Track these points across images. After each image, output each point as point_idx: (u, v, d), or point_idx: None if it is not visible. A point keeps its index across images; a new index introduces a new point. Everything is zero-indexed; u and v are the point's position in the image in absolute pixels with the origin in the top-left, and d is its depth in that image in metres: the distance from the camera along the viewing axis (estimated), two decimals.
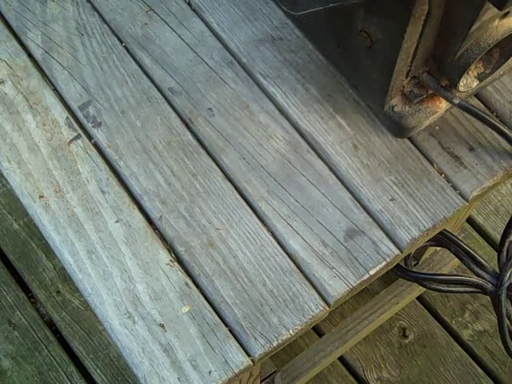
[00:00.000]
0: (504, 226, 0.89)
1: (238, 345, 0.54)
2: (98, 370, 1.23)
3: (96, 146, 0.63)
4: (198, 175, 0.62)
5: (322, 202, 0.60)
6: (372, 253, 0.58)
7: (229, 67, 0.67)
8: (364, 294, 1.27)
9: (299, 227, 0.59)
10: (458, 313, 1.32)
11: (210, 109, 0.65)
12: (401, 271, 0.94)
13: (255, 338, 0.54)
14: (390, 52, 0.55)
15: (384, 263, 0.58)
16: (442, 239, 0.84)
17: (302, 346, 1.24)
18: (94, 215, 0.59)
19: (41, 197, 0.60)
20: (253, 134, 0.63)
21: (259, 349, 0.54)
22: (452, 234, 0.83)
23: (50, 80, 0.66)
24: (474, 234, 1.38)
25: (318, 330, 1.29)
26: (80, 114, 0.64)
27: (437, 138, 0.64)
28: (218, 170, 0.62)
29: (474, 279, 0.84)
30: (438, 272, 1.17)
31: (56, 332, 1.26)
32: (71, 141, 0.63)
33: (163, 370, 0.53)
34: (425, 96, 0.61)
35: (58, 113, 0.64)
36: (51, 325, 1.27)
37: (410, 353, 1.28)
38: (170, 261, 0.58)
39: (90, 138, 0.64)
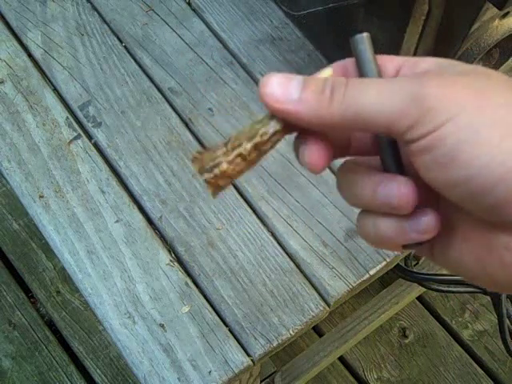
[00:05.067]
0: None
1: (237, 345, 0.54)
2: (98, 370, 1.23)
3: (96, 145, 0.63)
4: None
5: (321, 202, 0.60)
6: (372, 253, 0.58)
7: (229, 67, 0.67)
8: (364, 294, 1.27)
9: (299, 227, 0.59)
10: (458, 313, 1.32)
11: (210, 109, 0.65)
12: (401, 271, 0.94)
13: (255, 338, 0.54)
14: (390, 52, 0.55)
15: (384, 263, 0.58)
16: None
17: (302, 345, 1.24)
18: (93, 215, 0.59)
19: (41, 197, 0.60)
20: None
21: (259, 349, 0.54)
22: None
23: (50, 80, 0.66)
24: None
25: (318, 330, 1.29)
26: (80, 114, 0.64)
27: None
28: None
29: None
30: (438, 272, 1.17)
31: (56, 332, 1.26)
32: (71, 141, 0.63)
33: (163, 370, 0.53)
34: None
35: (58, 113, 0.64)
36: (51, 325, 1.27)
37: (410, 353, 1.28)
38: (170, 261, 0.57)
39: (89, 137, 0.64)
